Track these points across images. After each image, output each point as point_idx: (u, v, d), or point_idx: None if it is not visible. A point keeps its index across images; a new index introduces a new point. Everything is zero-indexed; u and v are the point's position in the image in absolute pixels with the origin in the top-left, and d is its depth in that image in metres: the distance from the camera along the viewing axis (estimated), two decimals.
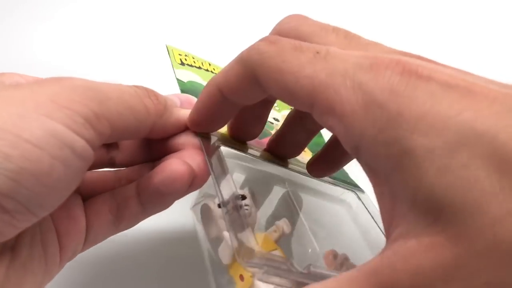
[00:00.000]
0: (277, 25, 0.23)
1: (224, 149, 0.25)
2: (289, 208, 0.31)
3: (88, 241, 0.24)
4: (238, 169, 0.31)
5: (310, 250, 0.27)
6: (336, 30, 0.21)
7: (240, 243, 0.18)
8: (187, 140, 0.26)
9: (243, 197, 0.26)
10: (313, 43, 0.19)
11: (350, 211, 0.34)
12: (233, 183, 0.22)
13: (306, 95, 0.18)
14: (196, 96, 0.27)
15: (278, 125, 0.38)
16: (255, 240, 0.19)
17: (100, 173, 0.27)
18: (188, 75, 0.34)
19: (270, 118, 0.37)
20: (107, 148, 0.26)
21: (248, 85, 0.21)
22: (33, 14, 0.49)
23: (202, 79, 0.35)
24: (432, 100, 0.15)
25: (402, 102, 0.15)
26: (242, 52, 0.21)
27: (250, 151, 0.28)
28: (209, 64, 0.37)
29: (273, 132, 0.36)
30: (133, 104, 0.22)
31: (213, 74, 0.36)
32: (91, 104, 0.19)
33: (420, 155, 0.15)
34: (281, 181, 0.33)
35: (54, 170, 0.18)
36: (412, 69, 0.16)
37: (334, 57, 0.18)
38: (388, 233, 0.17)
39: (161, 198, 0.25)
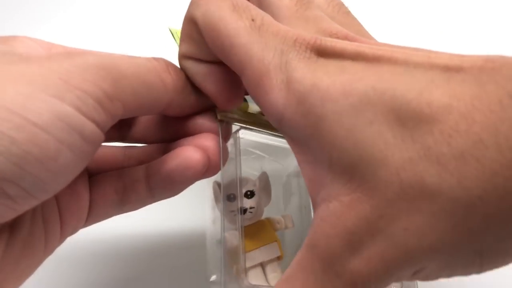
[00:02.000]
0: None
1: (244, 131, 0.25)
2: (302, 200, 0.30)
3: (91, 218, 0.23)
4: (260, 148, 0.29)
5: None
6: None
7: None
8: (205, 123, 0.24)
9: (251, 194, 0.25)
10: (244, 1, 0.19)
11: None
12: (238, 181, 0.24)
13: (238, 62, 0.18)
14: None
15: None
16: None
17: (108, 148, 0.25)
18: None
19: None
20: (118, 121, 0.22)
21: (200, 41, 0.20)
22: (34, 15, 0.48)
23: None
24: (341, 70, 0.16)
25: (316, 76, 0.16)
26: (188, 7, 0.20)
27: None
28: None
29: None
30: (149, 80, 0.20)
31: None
32: (104, 85, 0.18)
33: (331, 119, 0.16)
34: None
35: (61, 155, 0.17)
36: (328, 46, 0.17)
37: (267, 30, 0.18)
38: (312, 198, 0.18)
39: (171, 185, 0.23)
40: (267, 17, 0.19)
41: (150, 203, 0.24)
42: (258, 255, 0.25)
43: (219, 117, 0.24)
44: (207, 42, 0.19)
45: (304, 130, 0.17)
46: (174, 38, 0.29)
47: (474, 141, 0.13)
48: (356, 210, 0.15)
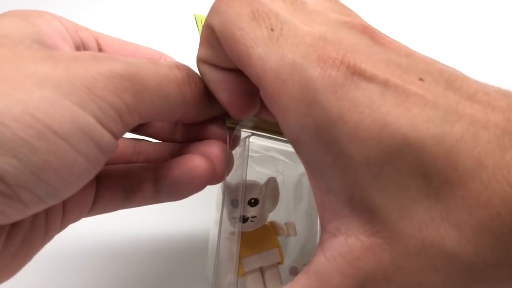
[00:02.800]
0: None
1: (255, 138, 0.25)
2: (310, 207, 0.29)
3: (94, 210, 0.23)
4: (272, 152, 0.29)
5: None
6: None
7: None
8: (215, 130, 0.24)
9: (255, 202, 0.25)
10: (267, 5, 0.18)
11: None
12: (242, 187, 0.24)
13: (255, 73, 0.18)
14: None
15: None
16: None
17: (121, 141, 0.25)
18: None
19: None
20: None
21: (219, 47, 0.20)
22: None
23: None
24: (371, 104, 0.15)
25: (344, 105, 0.15)
26: (208, 13, 0.20)
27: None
28: None
29: None
30: (170, 92, 0.20)
31: None
32: (126, 96, 0.18)
33: (357, 160, 0.15)
34: None
35: (76, 164, 0.17)
36: (356, 68, 0.16)
37: (286, 41, 0.17)
38: (322, 222, 0.18)
39: (177, 191, 0.23)
40: (288, 26, 0.18)
41: (155, 203, 0.24)
42: (258, 260, 0.26)
43: (228, 124, 0.24)
44: (225, 50, 0.19)
45: (322, 158, 0.16)
46: (197, 25, 0.29)
47: (492, 215, 0.14)
48: (376, 256, 0.16)
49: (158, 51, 0.26)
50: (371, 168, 0.15)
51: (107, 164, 0.23)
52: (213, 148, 0.23)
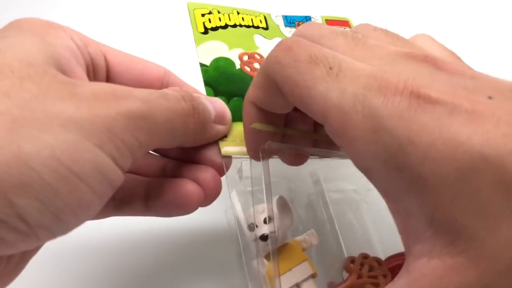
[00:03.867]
0: (296, 31, 0.23)
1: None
2: (322, 213, 0.30)
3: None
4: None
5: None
6: (344, 33, 0.20)
7: None
8: (209, 156, 0.26)
9: (269, 219, 0.25)
10: (324, 48, 0.19)
11: None
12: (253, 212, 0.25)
13: (318, 111, 0.18)
14: (222, 81, 0.29)
15: None
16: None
17: None
18: (213, 49, 0.30)
19: None
20: None
21: (273, 94, 0.21)
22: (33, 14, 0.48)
23: (228, 48, 0.31)
24: (440, 125, 0.15)
25: (412, 129, 0.15)
26: (264, 61, 0.21)
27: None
28: (238, 13, 0.33)
29: None
30: (175, 125, 0.22)
31: (242, 30, 0.32)
32: (140, 136, 0.19)
33: (433, 182, 0.15)
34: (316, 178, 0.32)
35: (92, 204, 0.18)
36: (420, 93, 0.16)
37: (345, 76, 0.18)
38: (406, 247, 0.18)
39: (167, 212, 0.25)
40: (345, 62, 0.18)
41: (146, 216, 0.25)
42: (292, 276, 0.26)
43: (222, 153, 0.25)
44: (286, 94, 0.20)
45: (397, 184, 0.16)
46: (191, 20, 0.31)
47: None
48: (460, 275, 0.15)
49: (162, 67, 0.27)
50: (449, 189, 0.15)
51: None
52: (206, 175, 0.25)
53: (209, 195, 0.25)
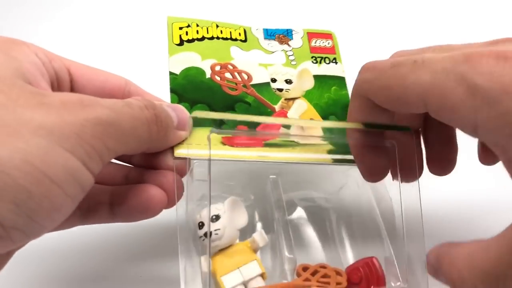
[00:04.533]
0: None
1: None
2: (277, 212, 0.31)
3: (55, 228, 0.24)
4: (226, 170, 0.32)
5: (286, 266, 0.29)
6: (431, 47, 0.24)
7: None
8: (166, 160, 0.27)
9: (217, 217, 0.27)
10: (404, 54, 0.24)
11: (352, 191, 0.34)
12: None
13: (416, 99, 0.21)
14: (190, 89, 0.31)
15: (289, 91, 0.34)
16: None
17: None
18: (185, 59, 0.32)
19: (279, 83, 0.34)
20: None
21: (370, 111, 0.25)
22: (33, 14, 0.50)
23: (201, 58, 0.33)
24: None
25: (503, 81, 0.18)
26: (353, 88, 0.26)
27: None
28: (217, 26, 0.34)
29: (277, 107, 0.33)
30: (141, 133, 0.23)
31: (219, 42, 0.34)
32: (108, 142, 0.20)
33: None
34: (273, 174, 0.33)
35: (64, 206, 0.19)
36: (507, 55, 0.19)
37: (430, 61, 0.21)
38: None
39: (132, 217, 0.26)
40: (427, 56, 0.22)
41: (112, 222, 0.27)
42: (238, 275, 0.26)
43: (175, 155, 0.27)
44: (383, 103, 0.24)
45: (502, 131, 0.18)
46: (168, 32, 0.33)
47: None
48: None
49: (123, 78, 0.29)
50: None
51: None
52: (167, 178, 0.26)
53: (172, 198, 0.26)
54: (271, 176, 0.32)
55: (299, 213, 0.33)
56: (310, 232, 0.32)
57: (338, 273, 0.27)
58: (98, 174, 0.21)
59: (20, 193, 0.17)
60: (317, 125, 0.32)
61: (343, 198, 0.34)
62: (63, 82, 0.26)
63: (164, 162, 0.27)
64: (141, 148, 0.24)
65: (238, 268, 0.27)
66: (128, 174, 0.28)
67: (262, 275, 0.27)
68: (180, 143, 0.27)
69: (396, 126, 0.28)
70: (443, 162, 0.30)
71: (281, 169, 0.32)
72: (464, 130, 0.21)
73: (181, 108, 0.28)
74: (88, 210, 0.26)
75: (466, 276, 0.20)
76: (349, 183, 0.34)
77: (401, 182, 0.28)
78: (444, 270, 0.21)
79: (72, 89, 0.27)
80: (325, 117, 0.33)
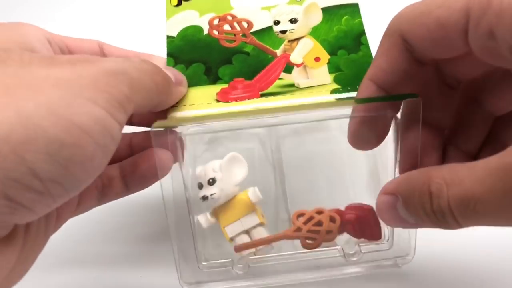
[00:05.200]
0: None
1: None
2: (271, 167, 0.32)
3: (77, 210, 0.27)
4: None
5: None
6: None
7: None
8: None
9: (213, 181, 0.28)
10: None
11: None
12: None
13: (459, 15, 0.19)
14: (186, 50, 0.31)
15: (294, 31, 0.32)
16: None
17: None
18: (183, 19, 0.33)
19: (283, 25, 0.32)
20: None
21: (399, 53, 0.22)
22: (33, 14, 0.51)
23: (199, 14, 0.33)
24: None
25: None
26: (386, 31, 0.23)
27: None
28: None
29: (278, 51, 0.32)
30: (148, 84, 0.23)
31: None
32: (124, 88, 0.21)
33: None
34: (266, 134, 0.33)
35: (96, 156, 0.19)
36: None
37: None
38: None
39: (146, 182, 0.27)
40: None
41: (126, 195, 0.28)
42: (239, 225, 0.28)
43: (169, 117, 0.28)
44: (416, 37, 0.21)
45: None
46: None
47: None
48: None
49: (94, 40, 0.30)
50: None
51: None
52: (170, 138, 0.27)
53: (176, 155, 0.27)
54: (267, 123, 0.32)
55: (296, 160, 0.33)
56: (307, 178, 0.32)
57: (332, 219, 0.27)
58: (124, 123, 0.21)
59: (52, 143, 0.18)
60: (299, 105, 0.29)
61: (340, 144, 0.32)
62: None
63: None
64: (152, 102, 0.24)
65: (239, 219, 0.28)
66: (130, 142, 0.30)
67: (260, 224, 0.28)
68: (174, 106, 0.29)
69: (397, 96, 0.24)
70: None
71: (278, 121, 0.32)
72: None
73: (173, 68, 0.29)
74: (103, 186, 0.27)
75: (444, 189, 0.19)
76: None
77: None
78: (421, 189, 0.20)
79: None
80: (333, 52, 0.31)
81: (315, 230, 0.27)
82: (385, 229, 0.28)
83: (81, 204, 0.27)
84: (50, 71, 0.19)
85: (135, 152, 0.29)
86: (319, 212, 0.28)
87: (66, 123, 0.18)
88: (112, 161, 0.27)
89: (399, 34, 0.22)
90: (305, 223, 0.27)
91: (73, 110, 0.18)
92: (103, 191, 0.27)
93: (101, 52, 0.30)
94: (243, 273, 0.29)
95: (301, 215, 0.28)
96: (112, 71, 0.21)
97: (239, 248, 0.28)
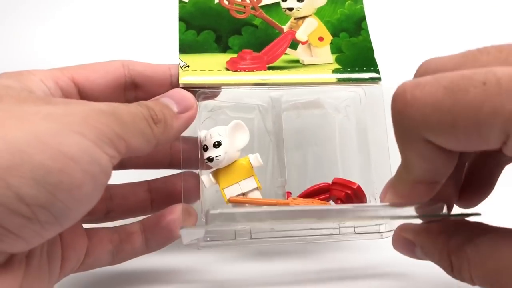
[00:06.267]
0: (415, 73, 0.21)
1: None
2: (270, 138, 0.34)
3: (86, 263, 0.27)
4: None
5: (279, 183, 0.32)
6: (482, 50, 0.19)
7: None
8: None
9: (218, 144, 0.29)
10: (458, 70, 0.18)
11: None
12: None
13: (497, 134, 0.16)
14: (197, 16, 0.32)
15: (300, 10, 0.34)
16: None
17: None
18: None
19: (290, 2, 0.34)
20: None
21: (434, 156, 0.19)
22: (33, 14, 0.49)
23: None
24: None
25: None
26: (398, 129, 0.19)
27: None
28: None
29: (285, 27, 0.34)
30: (143, 128, 0.24)
31: None
32: (114, 126, 0.21)
33: None
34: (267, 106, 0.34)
35: (84, 184, 0.20)
36: None
37: (508, 81, 0.16)
38: None
39: (167, 236, 0.28)
40: (500, 70, 0.17)
41: (144, 253, 0.29)
42: (237, 188, 0.30)
43: (181, 83, 0.30)
44: (446, 141, 0.18)
45: None
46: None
47: None
48: None
49: (119, 61, 0.29)
50: None
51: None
52: (189, 181, 0.29)
53: (196, 194, 0.30)
54: (271, 95, 0.33)
55: (294, 133, 0.35)
56: (303, 151, 0.34)
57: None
58: (115, 158, 0.22)
59: (37, 169, 0.18)
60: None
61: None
62: (72, 96, 0.28)
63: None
64: (152, 144, 0.25)
65: (237, 182, 0.30)
66: (149, 187, 0.31)
67: (257, 188, 0.30)
68: (185, 70, 0.30)
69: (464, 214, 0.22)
70: (476, 197, 0.25)
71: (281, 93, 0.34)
72: None
73: (178, 91, 0.28)
74: (120, 242, 0.28)
75: (465, 267, 0.20)
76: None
77: None
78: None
79: (82, 98, 0.28)
80: (335, 34, 0.33)
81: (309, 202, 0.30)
82: (370, 200, 0.31)
83: (90, 255, 0.27)
84: (43, 108, 0.20)
85: (154, 197, 0.31)
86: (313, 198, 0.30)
87: (52, 151, 0.19)
88: (129, 208, 0.30)
89: (425, 140, 0.19)
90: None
91: (60, 139, 0.19)
92: (119, 247, 0.28)
93: (127, 72, 0.29)
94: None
95: (295, 199, 0.30)
96: (104, 111, 0.22)
97: (233, 200, 0.30)
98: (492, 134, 0.17)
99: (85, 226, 0.27)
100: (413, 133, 0.19)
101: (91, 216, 0.28)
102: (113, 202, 0.30)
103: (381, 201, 0.22)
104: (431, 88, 0.18)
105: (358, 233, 0.30)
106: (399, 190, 0.21)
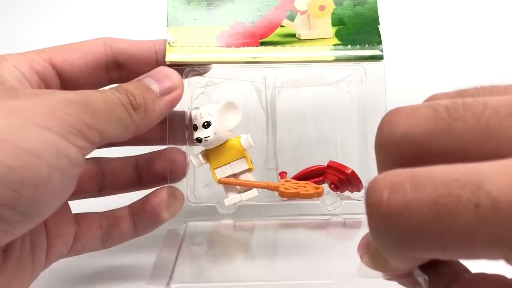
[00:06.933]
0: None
1: None
2: (264, 117, 0.33)
3: (75, 249, 0.27)
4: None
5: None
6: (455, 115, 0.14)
7: None
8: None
9: (208, 124, 0.29)
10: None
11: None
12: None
13: (497, 256, 0.13)
14: None
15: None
16: None
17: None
18: None
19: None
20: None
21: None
22: (32, 13, 0.48)
23: None
24: None
25: None
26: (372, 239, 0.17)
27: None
28: None
29: None
30: (121, 115, 0.23)
31: None
32: (83, 117, 0.21)
33: None
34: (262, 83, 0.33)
35: (52, 178, 0.19)
36: None
37: (506, 203, 0.12)
38: None
39: (154, 219, 0.28)
40: (488, 188, 0.13)
41: (133, 237, 0.29)
42: (229, 169, 0.30)
43: (167, 61, 0.28)
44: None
45: None
46: None
47: None
48: None
49: (101, 39, 0.28)
50: None
51: (77, 194, 0.28)
52: (176, 155, 0.29)
53: (183, 171, 0.29)
54: (264, 74, 0.32)
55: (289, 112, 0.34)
56: (298, 131, 0.33)
57: (317, 189, 0.29)
58: (87, 149, 0.21)
59: None
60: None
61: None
62: (50, 79, 0.26)
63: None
64: (131, 130, 0.24)
65: (229, 163, 0.30)
66: (136, 163, 0.30)
67: (249, 170, 0.30)
68: (173, 46, 0.29)
69: None
70: None
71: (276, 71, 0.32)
72: None
73: (162, 71, 0.26)
74: (108, 226, 0.28)
75: None
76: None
77: None
78: None
79: (62, 81, 0.27)
80: (338, 2, 0.31)
81: (297, 187, 0.29)
82: (365, 183, 0.30)
83: (79, 240, 0.27)
84: (5, 102, 0.20)
85: (141, 174, 0.30)
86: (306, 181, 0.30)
87: (12, 148, 0.18)
88: (118, 185, 0.30)
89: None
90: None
91: (20, 135, 0.18)
92: (108, 231, 0.28)
93: (108, 50, 0.28)
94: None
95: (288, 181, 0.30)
96: (72, 100, 0.21)
97: (223, 181, 0.30)
98: (489, 257, 0.14)
99: (74, 211, 0.27)
100: (395, 248, 0.15)
101: (84, 194, 0.29)
102: (105, 179, 0.30)
103: (359, 254, 0.19)
104: (412, 204, 0.13)
105: None
106: (376, 263, 0.18)
